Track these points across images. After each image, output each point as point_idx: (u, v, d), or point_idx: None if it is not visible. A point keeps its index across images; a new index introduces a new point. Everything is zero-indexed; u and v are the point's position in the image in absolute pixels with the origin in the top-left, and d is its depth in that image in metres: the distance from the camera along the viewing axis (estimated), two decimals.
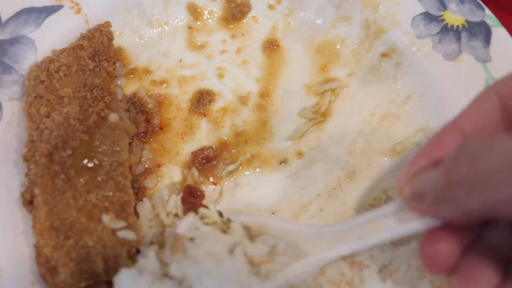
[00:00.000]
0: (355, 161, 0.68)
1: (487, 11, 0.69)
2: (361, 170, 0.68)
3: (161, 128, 0.69)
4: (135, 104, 0.69)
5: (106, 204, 0.56)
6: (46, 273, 0.54)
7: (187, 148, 0.68)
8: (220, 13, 0.78)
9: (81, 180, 0.56)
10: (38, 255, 0.55)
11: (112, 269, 0.54)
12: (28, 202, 0.58)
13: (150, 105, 0.70)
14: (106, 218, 0.55)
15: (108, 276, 0.55)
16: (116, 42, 0.74)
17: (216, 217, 0.55)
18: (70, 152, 0.57)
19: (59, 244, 0.53)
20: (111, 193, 0.56)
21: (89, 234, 0.54)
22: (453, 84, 0.68)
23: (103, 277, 0.55)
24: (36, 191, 0.56)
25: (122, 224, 0.55)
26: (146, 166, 0.66)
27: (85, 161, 0.57)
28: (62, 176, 0.56)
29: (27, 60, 0.66)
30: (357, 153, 0.69)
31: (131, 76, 0.73)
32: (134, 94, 0.70)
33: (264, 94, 0.73)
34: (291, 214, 0.65)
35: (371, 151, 0.69)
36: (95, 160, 0.57)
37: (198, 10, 0.78)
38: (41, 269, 0.55)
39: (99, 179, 0.57)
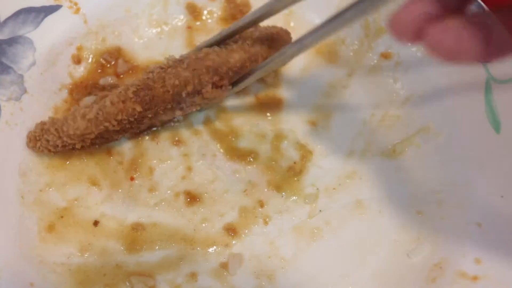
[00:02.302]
0: (355, 162, 0.68)
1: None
2: (360, 171, 0.68)
3: None
4: None
5: None
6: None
7: None
8: (219, 13, 0.78)
9: None
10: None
11: None
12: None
13: None
14: None
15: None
16: (115, 42, 0.74)
17: None
18: None
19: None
20: None
21: None
22: (453, 84, 0.68)
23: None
24: None
25: None
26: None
27: None
28: None
29: (25, 60, 0.66)
30: (356, 153, 0.69)
31: (130, 72, 0.73)
32: None
33: None
34: None
35: (370, 151, 0.69)
36: None
37: (197, 10, 0.78)
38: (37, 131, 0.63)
39: None
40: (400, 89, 0.72)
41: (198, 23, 0.78)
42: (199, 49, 0.63)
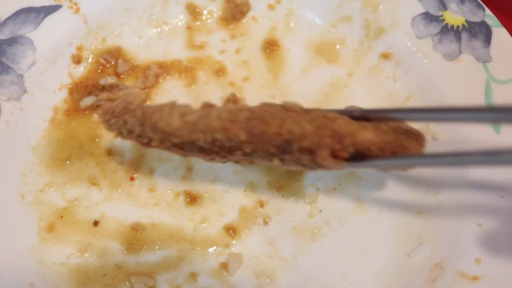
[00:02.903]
0: None
1: (488, 11, 0.69)
2: (360, 171, 0.68)
3: None
4: None
5: None
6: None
7: None
8: (219, 13, 0.78)
9: None
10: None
11: None
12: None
13: None
14: None
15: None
16: (115, 42, 0.74)
17: None
18: None
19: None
20: None
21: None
22: (453, 84, 0.68)
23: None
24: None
25: None
26: None
27: None
28: None
29: (25, 60, 0.66)
30: None
31: (131, 72, 0.73)
32: None
33: None
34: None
35: None
36: None
37: (197, 10, 0.78)
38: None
39: None
40: (400, 89, 0.72)
41: (198, 23, 0.78)
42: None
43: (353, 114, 0.54)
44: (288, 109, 0.52)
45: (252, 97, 0.72)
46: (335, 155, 0.51)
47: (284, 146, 0.51)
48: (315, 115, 0.52)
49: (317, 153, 0.50)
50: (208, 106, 0.54)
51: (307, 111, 0.53)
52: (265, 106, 0.53)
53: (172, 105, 0.54)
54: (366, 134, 0.51)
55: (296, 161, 0.52)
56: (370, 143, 0.51)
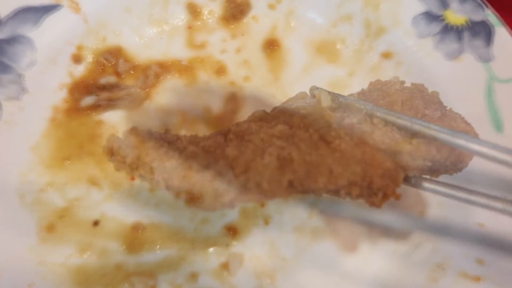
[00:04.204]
0: None
1: (488, 10, 0.69)
2: None
3: None
4: None
5: None
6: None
7: None
8: (220, 12, 0.78)
9: None
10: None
11: None
12: None
13: None
14: None
15: None
16: (116, 41, 0.73)
17: None
18: None
19: None
20: None
21: None
22: (454, 84, 0.68)
23: None
24: None
25: None
26: None
27: None
28: None
29: (25, 59, 0.66)
30: None
31: (132, 72, 0.73)
32: None
33: None
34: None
35: None
36: None
37: (198, 9, 0.78)
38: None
39: None
40: None
41: (198, 22, 0.77)
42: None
43: (413, 128, 0.49)
44: (329, 141, 0.47)
45: (253, 97, 0.72)
46: (387, 195, 0.47)
47: (333, 191, 0.48)
48: (363, 148, 0.47)
49: (368, 199, 0.48)
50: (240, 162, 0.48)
51: (355, 142, 0.48)
52: (304, 146, 0.47)
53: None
54: (419, 161, 0.48)
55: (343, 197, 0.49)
56: (424, 170, 0.49)
